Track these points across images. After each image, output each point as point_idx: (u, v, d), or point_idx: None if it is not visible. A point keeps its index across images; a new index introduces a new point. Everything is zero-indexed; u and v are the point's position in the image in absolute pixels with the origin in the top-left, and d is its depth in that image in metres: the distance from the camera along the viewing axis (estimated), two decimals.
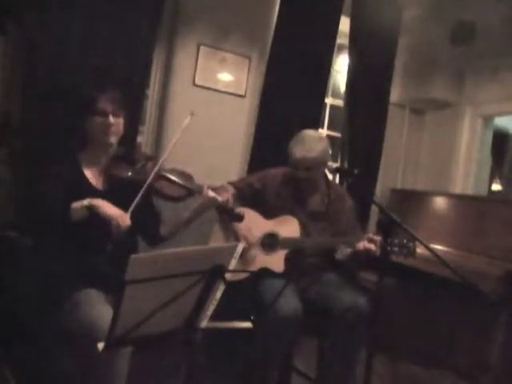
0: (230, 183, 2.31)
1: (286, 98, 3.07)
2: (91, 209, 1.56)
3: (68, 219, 1.55)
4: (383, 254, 1.83)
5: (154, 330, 1.23)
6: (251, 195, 2.29)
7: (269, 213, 2.23)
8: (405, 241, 1.88)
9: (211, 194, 1.82)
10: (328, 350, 2.10)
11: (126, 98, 1.80)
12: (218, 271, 1.24)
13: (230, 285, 1.30)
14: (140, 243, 1.93)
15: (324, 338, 2.15)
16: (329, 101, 3.69)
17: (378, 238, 2.01)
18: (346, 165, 3.43)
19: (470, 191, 3.79)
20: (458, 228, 3.12)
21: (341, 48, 3.62)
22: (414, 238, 1.84)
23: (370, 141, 3.50)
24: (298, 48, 3.07)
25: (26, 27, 2.25)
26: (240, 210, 1.96)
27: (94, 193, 1.68)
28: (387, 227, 1.77)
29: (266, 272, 2.11)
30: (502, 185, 5.63)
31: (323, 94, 3.29)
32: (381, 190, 3.79)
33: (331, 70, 3.33)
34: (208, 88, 3.03)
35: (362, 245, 2.02)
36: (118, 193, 1.70)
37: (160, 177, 1.74)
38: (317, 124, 3.26)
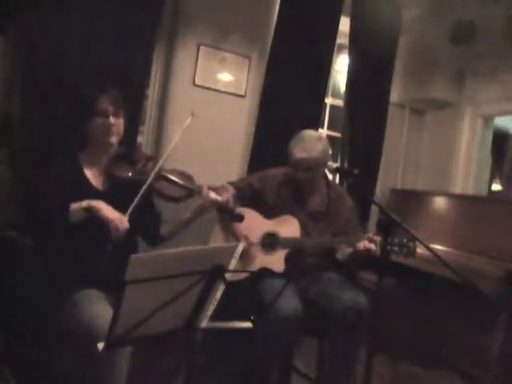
0: (230, 183, 2.31)
1: (286, 98, 3.07)
2: (90, 210, 1.55)
3: (67, 220, 1.55)
4: (383, 254, 1.83)
5: (153, 330, 1.23)
6: (251, 195, 2.29)
7: (269, 213, 2.23)
8: (405, 241, 1.88)
9: (211, 194, 1.82)
10: (328, 349, 2.10)
11: (126, 98, 1.80)
12: (218, 271, 1.24)
13: (230, 285, 1.30)
14: (140, 243, 1.93)
15: (324, 338, 2.15)
16: (329, 101, 3.69)
17: (377, 238, 2.01)
18: (346, 165, 3.43)
19: (470, 191, 3.79)
20: (457, 228, 3.12)
21: (341, 48, 3.62)
22: (413, 238, 1.84)
23: (370, 141, 3.50)
24: (298, 48, 3.08)
25: (25, 27, 2.25)
26: (240, 210, 1.96)
27: (94, 193, 1.68)
28: (387, 227, 1.77)
29: (266, 272, 2.11)
30: (502, 185, 5.63)
31: (323, 94, 3.29)
32: (381, 190, 3.79)
33: (331, 70, 3.33)
34: (208, 88, 3.03)
35: (363, 245, 2.02)
36: (118, 193, 1.70)
37: (160, 177, 1.74)
38: (317, 124, 3.26)
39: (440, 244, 3.05)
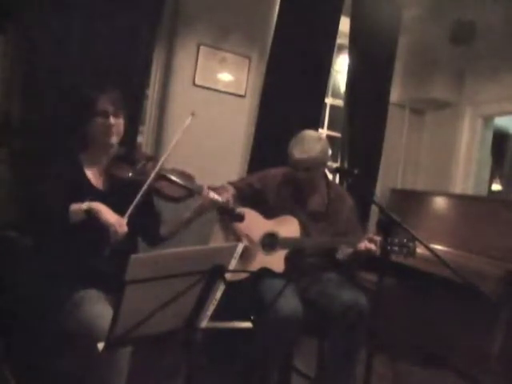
0: (230, 183, 2.32)
1: (286, 98, 3.07)
2: (90, 212, 1.55)
3: (67, 220, 1.55)
4: (383, 254, 1.83)
5: (153, 330, 1.23)
6: (251, 195, 2.29)
7: (269, 213, 2.23)
8: (405, 240, 1.88)
9: (212, 194, 1.82)
10: (328, 349, 2.10)
11: (126, 98, 1.80)
12: (218, 271, 1.24)
13: (230, 285, 1.30)
14: (140, 243, 1.93)
15: (324, 338, 2.15)
16: (329, 101, 3.69)
17: (378, 238, 2.01)
18: (346, 165, 3.43)
19: (470, 191, 3.79)
20: (457, 228, 3.12)
21: (341, 48, 3.62)
22: (413, 238, 1.84)
23: (370, 141, 3.50)
24: (298, 48, 3.08)
25: (25, 27, 2.26)
26: (240, 210, 1.96)
27: (94, 193, 1.68)
28: (387, 227, 1.77)
29: (266, 272, 2.11)
30: (502, 185, 5.64)
31: (323, 94, 3.29)
32: (381, 190, 3.79)
33: (331, 70, 3.33)
34: (208, 88, 3.03)
35: (363, 245, 2.02)
36: (118, 193, 1.70)
37: (160, 177, 1.74)
38: (317, 124, 3.26)
39: (440, 244, 3.05)
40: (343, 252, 2.12)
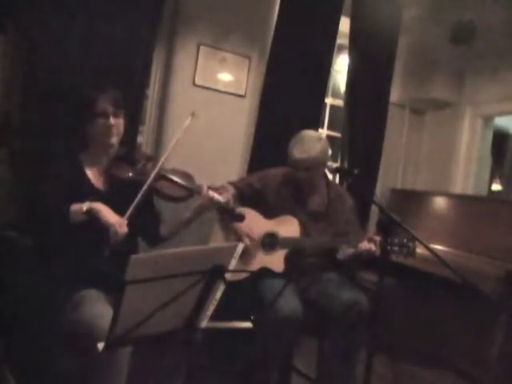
0: (230, 183, 2.32)
1: (286, 98, 3.07)
2: (90, 212, 1.55)
3: (67, 220, 1.55)
4: (383, 254, 1.83)
5: (153, 330, 1.23)
6: (251, 195, 2.29)
7: (269, 213, 2.23)
8: (405, 240, 1.88)
9: (212, 193, 1.82)
10: (328, 349, 2.10)
11: (126, 98, 1.80)
12: (218, 271, 1.24)
13: (230, 285, 1.30)
14: (140, 243, 1.93)
15: (324, 338, 2.15)
16: (329, 101, 3.69)
17: (377, 238, 2.01)
18: (346, 165, 3.43)
19: (470, 191, 3.79)
20: (457, 228, 3.12)
21: (341, 48, 3.62)
22: (413, 238, 1.84)
23: (370, 141, 3.50)
24: (298, 48, 3.08)
25: (25, 27, 2.26)
26: (240, 210, 1.96)
27: (95, 193, 1.68)
28: (387, 227, 1.77)
29: (266, 272, 2.11)
30: (502, 185, 5.64)
31: (323, 94, 3.29)
32: (381, 190, 3.79)
33: (331, 70, 3.33)
34: (208, 88, 3.03)
35: (363, 246, 2.02)
36: (118, 193, 1.69)
37: (161, 177, 1.74)
38: (317, 124, 3.26)
39: (440, 244, 3.05)
40: (344, 252, 2.12)
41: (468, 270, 2.42)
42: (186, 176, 1.82)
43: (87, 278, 1.61)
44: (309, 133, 2.21)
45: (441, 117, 3.99)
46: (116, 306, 1.11)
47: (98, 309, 1.50)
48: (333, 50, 3.27)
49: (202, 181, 1.87)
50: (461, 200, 3.30)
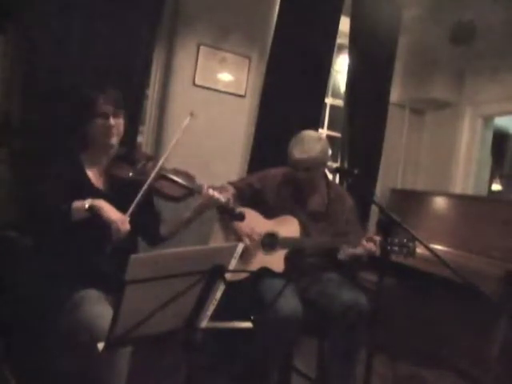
0: (230, 183, 2.32)
1: (286, 98, 3.07)
2: (92, 209, 1.55)
3: (69, 218, 1.55)
4: (383, 254, 1.83)
5: (153, 330, 1.23)
6: (251, 195, 2.29)
7: (269, 213, 2.23)
8: (405, 240, 1.88)
9: (212, 193, 1.82)
10: (328, 349, 2.10)
11: (126, 98, 1.80)
12: (218, 271, 1.24)
13: (230, 285, 1.30)
14: (140, 243, 1.93)
15: (324, 338, 2.15)
16: (329, 101, 3.69)
17: (377, 238, 2.01)
18: (346, 165, 3.43)
19: (470, 191, 3.79)
20: (457, 228, 3.12)
21: (341, 48, 3.62)
22: (413, 238, 1.84)
23: (370, 141, 3.50)
24: (298, 48, 3.08)
25: (25, 27, 2.25)
26: (241, 209, 1.96)
27: (95, 193, 1.68)
28: (387, 227, 1.77)
29: (265, 272, 2.11)
30: (502, 185, 5.64)
31: (323, 94, 3.29)
32: (381, 190, 3.79)
33: (331, 70, 3.33)
34: (208, 88, 3.03)
35: (363, 245, 2.02)
36: (118, 193, 1.70)
37: (161, 177, 1.74)
38: (317, 124, 3.26)
39: (440, 244, 3.05)
40: (344, 252, 2.12)
41: (468, 270, 2.42)
42: (187, 176, 1.82)
43: (87, 278, 1.61)
44: (309, 133, 2.21)
45: (441, 117, 3.99)
46: (116, 306, 1.11)
47: (97, 309, 1.50)
48: (333, 50, 3.27)
49: (202, 181, 1.87)
50: (461, 200, 3.30)
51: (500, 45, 3.43)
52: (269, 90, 3.06)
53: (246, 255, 2.14)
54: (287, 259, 2.13)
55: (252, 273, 2.11)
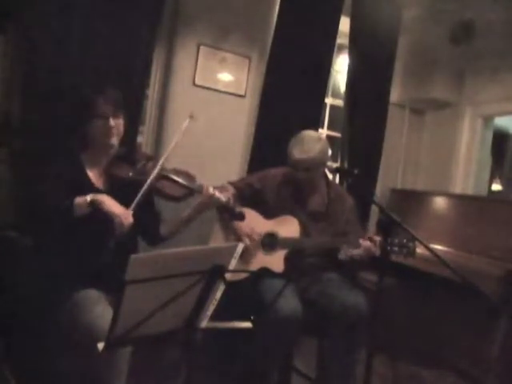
0: (230, 183, 2.32)
1: (286, 98, 3.07)
2: (94, 204, 1.55)
3: (71, 214, 1.55)
4: (383, 254, 1.83)
5: (153, 330, 1.23)
6: (251, 195, 2.29)
7: (269, 213, 2.23)
8: (404, 241, 1.88)
9: (213, 191, 1.82)
10: (328, 349, 2.10)
11: (126, 98, 1.80)
12: (218, 271, 1.24)
13: (230, 285, 1.30)
14: (140, 243, 1.93)
15: (324, 338, 2.15)
16: (329, 101, 3.69)
17: (377, 238, 2.01)
18: (346, 165, 3.43)
19: (470, 191, 3.79)
20: (458, 228, 3.12)
21: (341, 48, 3.62)
22: (413, 238, 1.84)
23: (370, 141, 3.50)
24: (298, 48, 3.07)
25: (26, 27, 2.25)
26: (241, 209, 1.96)
27: (95, 193, 1.68)
28: (387, 227, 1.77)
29: (265, 272, 2.11)
30: (502, 185, 5.64)
31: (323, 94, 3.29)
32: (381, 190, 3.79)
33: (331, 70, 3.33)
34: (208, 88, 3.03)
35: (363, 243, 2.03)
36: (118, 193, 1.69)
37: (161, 177, 1.74)
38: (317, 124, 3.26)
39: (440, 244, 3.05)
40: (345, 252, 2.12)
41: (468, 270, 2.42)
42: (187, 175, 1.83)
43: (87, 278, 1.61)
44: (309, 133, 2.21)
45: (441, 117, 3.99)
46: (116, 306, 1.11)
47: (98, 309, 1.50)
48: (333, 50, 3.27)
49: (202, 181, 1.87)
50: (461, 200, 3.30)
51: (500, 45, 3.43)
52: (269, 90, 3.06)
53: (245, 255, 2.14)
54: (287, 259, 2.13)
55: (252, 273, 2.11)
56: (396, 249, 1.87)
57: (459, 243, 3.00)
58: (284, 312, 1.88)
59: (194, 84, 2.99)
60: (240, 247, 1.30)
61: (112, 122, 1.70)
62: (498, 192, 5.54)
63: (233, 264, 1.29)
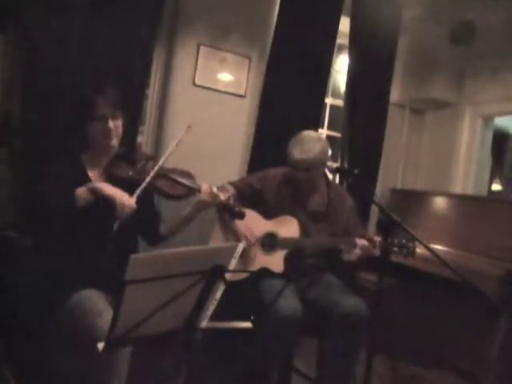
0: (230, 183, 2.32)
1: (286, 98, 3.07)
2: (94, 191, 1.56)
3: (73, 206, 1.55)
4: (383, 254, 1.83)
5: (153, 330, 1.23)
6: (251, 195, 2.29)
7: (269, 213, 2.23)
8: (404, 241, 1.88)
9: (212, 189, 1.82)
10: (328, 349, 2.10)
11: (125, 98, 1.80)
12: (218, 271, 1.24)
13: (230, 285, 1.30)
14: (140, 243, 1.93)
15: (324, 338, 2.15)
16: (329, 101, 3.69)
17: (377, 239, 2.01)
18: (346, 165, 3.43)
19: (470, 191, 3.79)
20: (457, 228, 3.12)
21: (341, 48, 3.62)
22: (413, 238, 1.84)
23: (370, 141, 3.50)
24: (298, 48, 3.08)
25: (26, 27, 2.26)
26: (240, 207, 1.96)
27: None
28: (387, 227, 1.77)
29: (265, 272, 2.11)
30: (502, 185, 5.64)
31: (323, 94, 3.29)
32: (381, 190, 3.79)
33: (331, 70, 3.33)
34: (208, 88, 3.03)
35: (360, 242, 2.03)
36: None
37: (161, 176, 1.74)
38: (317, 124, 3.26)
39: (440, 244, 3.05)
40: (349, 253, 2.11)
41: (468, 270, 2.42)
42: (187, 174, 1.83)
43: (87, 278, 1.61)
44: (309, 133, 2.21)
45: (441, 117, 3.98)
46: (116, 306, 1.11)
47: (98, 309, 1.50)
48: (333, 50, 3.27)
49: (202, 181, 1.87)
50: (461, 200, 3.30)
51: (500, 45, 3.43)
52: (269, 90, 3.06)
53: (245, 255, 2.14)
54: (287, 259, 2.13)
55: (252, 273, 2.11)
56: (396, 249, 1.87)
57: (459, 243, 3.00)
58: (284, 312, 1.88)
59: (194, 84, 2.99)
60: (240, 247, 1.30)
61: (111, 123, 1.70)
62: (498, 192, 5.54)
63: (233, 264, 1.29)
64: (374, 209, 3.41)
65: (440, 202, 3.40)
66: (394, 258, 1.90)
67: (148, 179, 1.66)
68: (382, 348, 2.52)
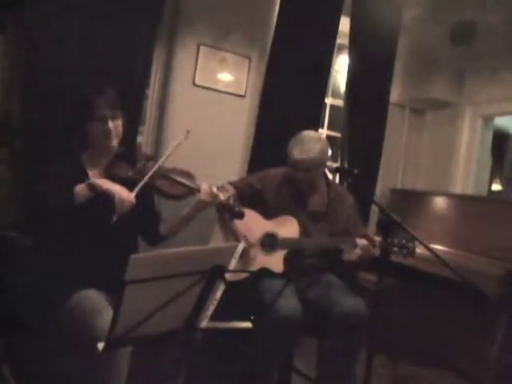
0: (230, 183, 2.31)
1: (286, 98, 3.07)
2: (93, 186, 1.56)
3: (72, 204, 1.55)
4: (383, 254, 1.83)
5: (153, 330, 1.23)
6: (251, 195, 2.29)
7: (269, 213, 2.23)
8: (404, 241, 1.87)
9: (212, 189, 1.82)
10: (328, 349, 2.10)
11: (126, 98, 1.80)
12: (218, 271, 1.24)
13: (230, 285, 1.30)
14: (140, 243, 1.93)
15: (324, 338, 2.15)
16: (329, 101, 3.69)
17: (377, 239, 2.01)
18: (346, 165, 3.43)
19: (470, 191, 3.79)
20: (457, 228, 3.12)
21: (341, 48, 3.62)
22: (413, 238, 1.84)
23: (370, 141, 3.50)
24: (298, 48, 3.08)
25: (26, 27, 2.26)
26: (240, 207, 1.96)
27: None
28: (387, 227, 1.77)
29: (265, 272, 2.11)
30: (502, 185, 5.64)
31: (323, 94, 3.29)
32: (381, 190, 3.79)
33: (331, 70, 3.33)
34: (208, 88, 3.03)
35: (360, 243, 2.03)
36: None
37: (161, 176, 1.74)
38: (317, 124, 3.26)
39: (440, 244, 3.05)
40: (349, 253, 2.11)
41: (468, 270, 2.42)
42: (187, 174, 1.83)
43: (87, 278, 1.61)
44: (308, 133, 2.21)
45: (441, 117, 3.99)
46: (116, 306, 1.11)
47: (97, 308, 1.50)
48: (333, 50, 3.27)
49: (202, 181, 1.87)
50: (461, 200, 3.30)
51: (500, 45, 3.43)
52: (269, 90, 3.06)
53: (245, 255, 2.14)
54: (287, 260, 2.13)
55: (252, 273, 2.11)
56: (396, 249, 1.87)
57: (459, 243, 3.00)
58: (284, 312, 1.88)
59: (193, 84, 2.99)
60: (240, 247, 1.30)
61: (111, 124, 1.70)
62: (498, 192, 5.54)
63: (233, 264, 1.29)
64: (374, 209, 3.41)
65: (440, 202, 3.40)
66: (393, 257, 1.90)
67: (148, 175, 1.66)
68: (382, 348, 2.53)
